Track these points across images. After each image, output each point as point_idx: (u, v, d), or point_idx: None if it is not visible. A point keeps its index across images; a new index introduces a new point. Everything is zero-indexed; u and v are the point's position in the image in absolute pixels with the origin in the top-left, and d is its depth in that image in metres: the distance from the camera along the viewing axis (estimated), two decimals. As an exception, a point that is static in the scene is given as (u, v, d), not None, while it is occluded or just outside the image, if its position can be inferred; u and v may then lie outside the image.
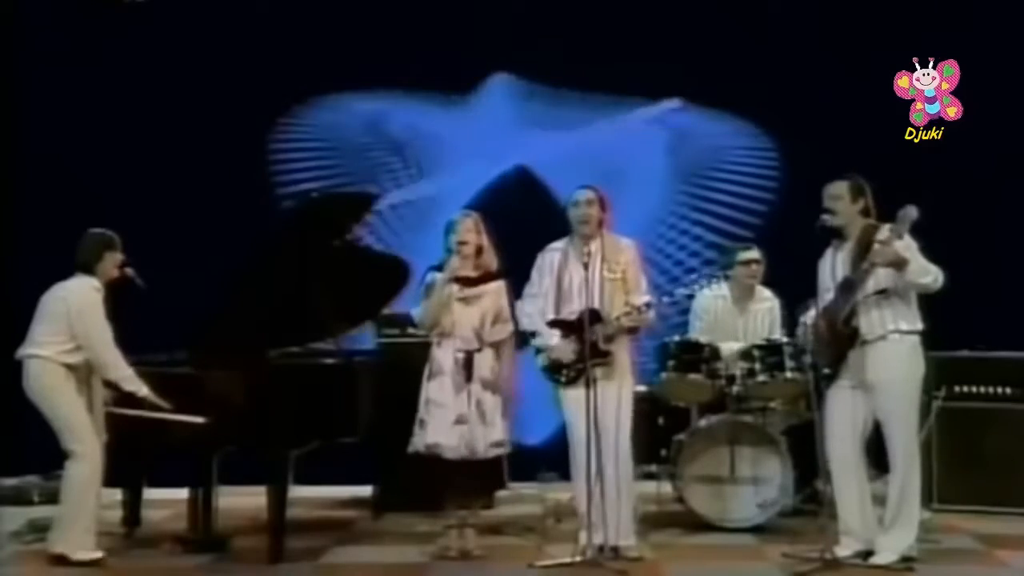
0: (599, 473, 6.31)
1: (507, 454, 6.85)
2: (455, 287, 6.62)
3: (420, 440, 6.58)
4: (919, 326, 6.29)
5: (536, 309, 6.61)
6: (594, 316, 6.42)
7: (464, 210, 6.81)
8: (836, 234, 6.37)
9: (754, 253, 7.61)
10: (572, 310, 6.50)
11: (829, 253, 6.44)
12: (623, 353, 6.53)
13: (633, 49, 8.84)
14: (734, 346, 7.37)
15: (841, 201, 6.32)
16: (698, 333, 7.49)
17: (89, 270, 6.51)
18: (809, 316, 6.47)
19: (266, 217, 7.18)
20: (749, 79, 8.81)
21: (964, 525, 7.19)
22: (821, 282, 6.42)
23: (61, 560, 6.38)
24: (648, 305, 6.46)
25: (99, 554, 6.42)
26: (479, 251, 6.70)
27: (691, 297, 7.26)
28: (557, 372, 6.53)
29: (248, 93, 8.75)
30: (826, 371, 6.36)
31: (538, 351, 6.62)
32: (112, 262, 6.55)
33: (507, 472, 7.77)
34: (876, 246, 6.13)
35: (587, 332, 6.37)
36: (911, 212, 6.08)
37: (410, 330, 6.97)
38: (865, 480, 6.35)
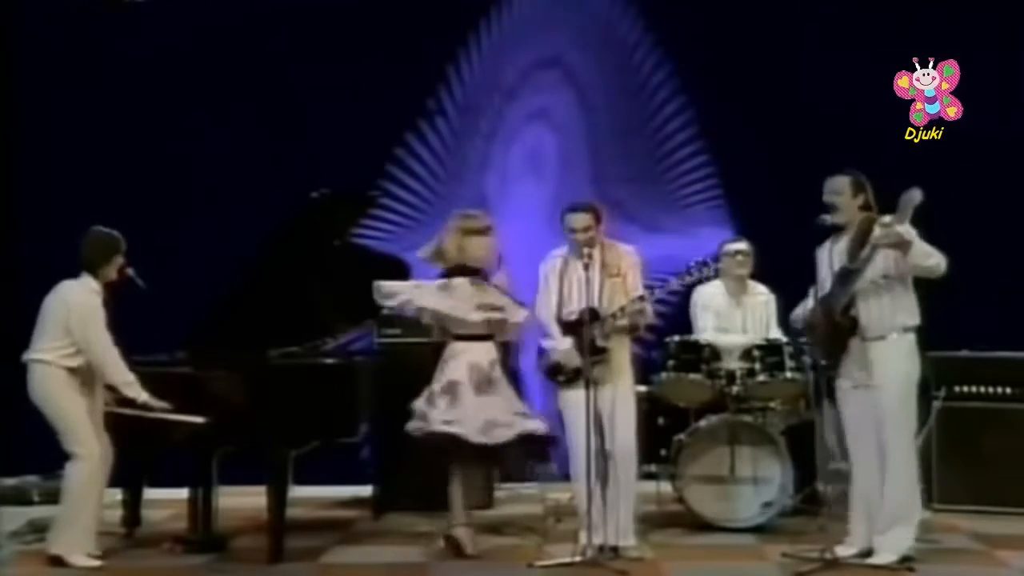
0: (599, 473, 6.33)
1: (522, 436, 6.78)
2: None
3: (437, 417, 6.48)
4: (918, 319, 6.28)
5: (546, 314, 6.64)
6: (593, 315, 6.44)
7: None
8: (836, 230, 6.37)
9: (741, 244, 7.59)
10: (572, 310, 6.52)
11: (827, 245, 6.42)
12: (621, 352, 6.54)
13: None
14: (738, 340, 7.37)
15: (842, 196, 6.30)
16: (706, 326, 7.50)
17: (93, 270, 6.50)
18: (799, 312, 6.44)
19: (266, 217, 7.16)
20: (748, 78, 8.82)
21: (964, 525, 7.19)
22: (819, 274, 6.41)
23: (58, 562, 6.37)
24: (642, 298, 6.47)
25: (97, 563, 6.40)
26: None
27: (689, 288, 7.22)
28: (556, 373, 6.55)
29: (249, 93, 8.75)
30: (823, 363, 6.36)
31: (540, 353, 6.64)
32: (117, 265, 6.56)
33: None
34: (878, 229, 6.09)
35: (586, 330, 6.38)
36: (915, 195, 6.00)
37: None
38: (876, 480, 6.29)
